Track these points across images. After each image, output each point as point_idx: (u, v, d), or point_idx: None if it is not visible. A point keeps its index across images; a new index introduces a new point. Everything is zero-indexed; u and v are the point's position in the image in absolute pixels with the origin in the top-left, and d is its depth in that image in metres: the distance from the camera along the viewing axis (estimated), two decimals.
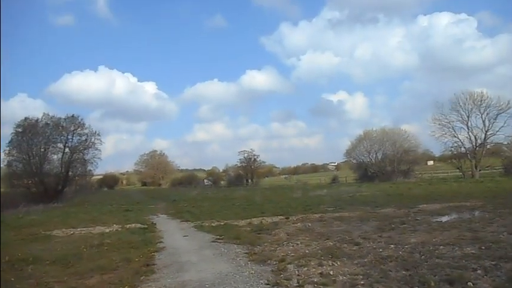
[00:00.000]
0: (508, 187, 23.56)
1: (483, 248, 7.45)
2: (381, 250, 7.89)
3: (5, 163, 33.30)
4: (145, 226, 14.13)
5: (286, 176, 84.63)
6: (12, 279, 7.04)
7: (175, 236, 11.75)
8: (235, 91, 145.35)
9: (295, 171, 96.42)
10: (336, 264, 6.95)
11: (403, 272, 6.12)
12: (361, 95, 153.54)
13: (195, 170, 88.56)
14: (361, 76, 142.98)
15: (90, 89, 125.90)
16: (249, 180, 61.32)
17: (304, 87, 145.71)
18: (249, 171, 61.94)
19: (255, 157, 62.76)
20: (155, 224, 14.81)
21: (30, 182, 32.92)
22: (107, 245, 10.19)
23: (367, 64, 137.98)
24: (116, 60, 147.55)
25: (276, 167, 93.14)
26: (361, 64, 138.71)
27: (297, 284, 5.83)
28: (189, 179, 71.71)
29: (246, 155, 62.79)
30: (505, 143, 41.91)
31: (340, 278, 6.10)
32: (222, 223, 13.71)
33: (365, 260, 7.10)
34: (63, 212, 21.42)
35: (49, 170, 34.32)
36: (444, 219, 11.85)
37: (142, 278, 6.89)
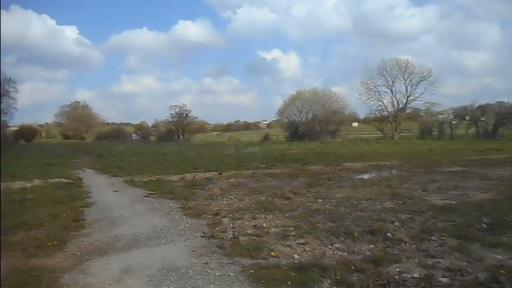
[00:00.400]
0: (422, 149, 26.05)
1: (400, 203, 8.24)
2: (309, 204, 8.40)
3: None
4: (71, 181, 13.43)
5: (219, 132, 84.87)
6: None
7: (105, 191, 11.38)
8: (166, 42, 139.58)
9: (228, 128, 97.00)
10: (268, 217, 7.29)
11: (330, 224, 6.61)
12: (295, 54, 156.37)
13: (122, 123, 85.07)
14: (296, 35, 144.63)
15: (2, 31, 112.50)
16: (181, 136, 60.49)
17: (239, 42, 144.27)
18: (180, 127, 60.94)
19: (187, 112, 61.76)
20: (82, 178, 14.13)
21: None
22: (30, 201, 9.60)
23: (302, 23, 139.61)
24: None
25: (208, 124, 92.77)
26: (297, 22, 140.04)
27: (232, 236, 6.04)
28: (115, 133, 68.71)
29: (177, 109, 61.51)
30: (423, 108, 45.90)
31: (273, 229, 6.43)
32: (153, 178, 13.50)
33: (295, 213, 7.53)
34: None
35: None
36: (366, 176, 12.83)
37: (71, 233, 6.64)
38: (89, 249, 5.73)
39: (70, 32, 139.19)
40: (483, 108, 41.39)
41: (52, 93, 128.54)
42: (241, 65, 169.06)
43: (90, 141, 67.41)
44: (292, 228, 6.42)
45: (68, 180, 13.54)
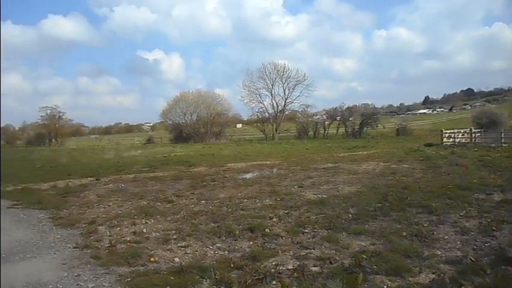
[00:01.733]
0: (300, 148, 28.13)
1: (278, 199, 8.75)
2: (192, 206, 8.41)
3: None
4: None
5: (97, 136, 79.06)
6: None
7: None
8: (34, 37, 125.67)
9: (108, 131, 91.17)
10: (149, 222, 7.10)
11: (212, 224, 6.72)
12: (178, 55, 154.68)
13: None
14: (177, 37, 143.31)
15: None
16: (53, 140, 54.77)
17: (117, 41, 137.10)
18: (52, 130, 55.10)
19: (60, 114, 56.15)
20: None
21: None
22: None
23: (183, 25, 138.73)
24: None
25: (85, 126, 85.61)
26: (178, 24, 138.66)
27: (109, 244, 5.73)
28: None
29: (48, 111, 55.50)
30: (300, 110, 49.41)
31: (154, 234, 6.29)
32: (19, 187, 11.99)
33: (178, 216, 7.47)
34: None
35: None
36: (248, 176, 13.31)
37: None
38: None
39: None
40: (350, 110, 46.18)
41: None
42: (121, 65, 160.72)
43: None
44: (173, 232, 6.36)
45: None
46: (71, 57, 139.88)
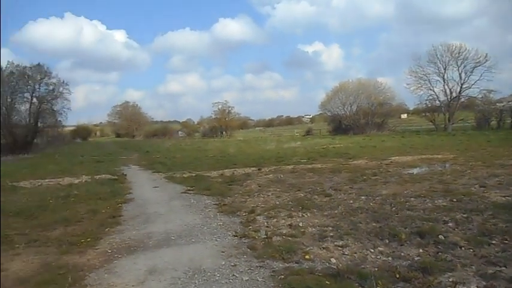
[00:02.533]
0: (480, 140, 24.12)
1: (454, 200, 7.44)
2: (351, 202, 7.84)
3: None
4: (116, 177, 13.73)
5: (261, 128, 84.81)
6: None
7: (145, 187, 11.45)
8: (208, 41, 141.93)
9: (270, 123, 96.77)
10: (305, 216, 6.85)
11: (374, 224, 6.06)
12: (337, 46, 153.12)
13: (169, 122, 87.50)
14: (337, 26, 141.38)
15: (57, 38, 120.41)
16: (223, 132, 61.02)
17: (279, 37, 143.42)
18: (223, 123, 61.49)
19: (229, 109, 62.26)
20: (125, 175, 14.41)
21: None
22: (74, 197, 9.82)
23: (343, 14, 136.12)
24: (83, 7, 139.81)
25: (251, 120, 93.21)
26: (338, 14, 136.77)
27: (265, 236, 5.68)
28: (163, 131, 70.94)
29: (220, 106, 62.15)
30: (479, 96, 42.42)
31: (310, 229, 5.99)
32: (193, 174, 13.45)
33: (335, 212, 7.02)
34: (32, 163, 20.69)
35: (17, 120, 33.01)
36: (416, 171, 11.95)
37: (107, 229, 6.63)
38: (119, 247, 5.62)
39: (119, 35, 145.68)
40: None
41: (105, 94, 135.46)
42: (282, 59, 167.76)
43: (140, 139, 69.75)
44: (330, 228, 5.95)
45: (113, 177, 13.84)
46: (238, 56, 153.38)
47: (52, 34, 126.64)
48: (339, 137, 38.39)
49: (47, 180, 13.30)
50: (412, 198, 7.80)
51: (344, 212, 6.95)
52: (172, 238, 5.90)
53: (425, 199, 7.69)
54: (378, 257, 4.72)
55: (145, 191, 10.64)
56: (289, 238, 5.57)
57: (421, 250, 4.85)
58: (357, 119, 45.74)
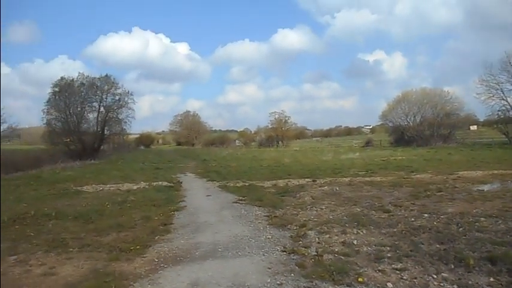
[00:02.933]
0: None
1: None
2: (412, 219, 7.22)
3: (44, 121, 34.36)
4: (172, 184, 14.06)
5: (318, 138, 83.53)
6: (32, 234, 7.02)
7: (199, 195, 11.54)
8: (266, 51, 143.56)
9: (328, 133, 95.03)
10: (361, 233, 6.40)
11: (437, 246, 5.47)
12: (400, 54, 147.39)
13: (227, 131, 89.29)
14: (400, 34, 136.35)
15: (125, 51, 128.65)
16: (280, 142, 60.84)
17: (338, 46, 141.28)
18: (279, 133, 61.34)
19: (286, 118, 62.01)
20: (181, 182, 14.72)
21: (68, 139, 33.83)
22: (130, 202, 10.12)
23: (407, 21, 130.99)
24: (149, 21, 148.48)
25: (308, 129, 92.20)
26: (401, 21, 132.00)
27: (316, 253, 5.33)
28: (221, 140, 72.35)
29: (276, 116, 62.12)
30: None
31: (365, 248, 5.55)
32: (247, 184, 13.37)
33: (394, 230, 6.49)
34: (97, 169, 21.87)
35: (86, 128, 35.28)
36: (486, 187, 10.86)
37: (157, 237, 6.68)
38: (167, 256, 5.59)
39: (182, 48, 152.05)
40: None
41: (168, 104, 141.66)
42: (341, 69, 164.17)
43: (199, 147, 71.79)
44: (388, 249, 5.46)
45: (169, 184, 14.18)
46: (296, 66, 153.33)
47: (120, 47, 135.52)
48: (400, 148, 36.56)
49: (108, 186, 13.90)
50: (482, 218, 7.02)
51: (404, 231, 6.40)
52: (219, 250, 5.76)
53: (498, 220, 6.89)
54: (442, 284, 4.20)
55: (198, 199, 10.70)
56: (342, 257, 5.19)
57: (491, 279, 4.27)
58: (420, 130, 43.29)
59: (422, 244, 5.61)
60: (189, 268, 4.98)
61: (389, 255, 5.20)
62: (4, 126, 23.23)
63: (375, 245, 5.66)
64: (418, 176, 14.26)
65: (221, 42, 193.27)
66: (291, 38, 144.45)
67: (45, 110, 34.12)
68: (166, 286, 4.39)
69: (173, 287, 4.35)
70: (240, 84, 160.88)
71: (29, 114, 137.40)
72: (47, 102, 34.18)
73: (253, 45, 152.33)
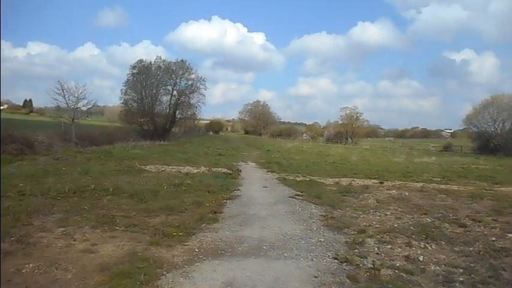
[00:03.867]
0: None
1: None
2: (494, 239, 6.13)
3: (122, 101, 36.41)
4: (230, 172, 13.87)
5: (391, 138, 79.41)
6: (86, 207, 7.11)
7: (255, 185, 11.17)
8: (343, 45, 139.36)
9: (403, 134, 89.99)
10: (429, 248, 5.52)
11: None
12: (492, 55, 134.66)
13: (296, 123, 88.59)
14: (493, 33, 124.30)
15: (204, 38, 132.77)
16: (349, 139, 58.79)
17: (422, 43, 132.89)
18: (349, 129, 59.28)
19: (358, 115, 59.71)
20: (240, 170, 14.47)
21: (142, 120, 35.56)
22: (186, 186, 10.03)
23: (503, 19, 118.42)
24: (228, 10, 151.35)
25: (381, 128, 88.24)
26: (496, 19, 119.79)
27: (372, 266, 4.62)
28: (288, 132, 72.06)
29: (348, 111, 60.06)
30: None
31: (432, 267, 4.73)
32: (307, 179, 12.74)
33: (470, 249, 5.52)
34: (164, 150, 22.55)
35: (159, 110, 36.81)
36: None
37: (203, 225, 6.40)
38: (208, 247, 5.25)
39: (258, 38, 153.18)
40: None
41: (240, 92, 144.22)
42: (423, 67, 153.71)
43: (265, 137, 72.01)
44: (461, 271, 4.59)
45: (228, 171, 14.00)
46: (374, 61, 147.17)
47: (200, 35, 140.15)
48: (484, 157, 33.23)
49: (170, 167, 14.08)
50: None
51: (482, 252, 5.41)
52: (264, 248, 5.28)
53: None
54: None
55: (253, 190, 10.33)
56: (403, 274, 4.44)
57: None
58: (509, 138, 39.02)
59: (504, 270, 4.66)
60: (227, 264, 4.56)
61: (461, 279, 4.35)
62: (85, 102, 24.94)
63: (445, 265, 4.80)
64: (502, 188, 12.55)
65: (297, 33, 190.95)
66: (371, 32, 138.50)
67: (123, 90, 36.21)
68: (198, 282, 4.01)
69: (206, 284, 3.95)
70: (313, 77, 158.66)
71: (113, 94, 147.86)
72: (125, 82, 36.22)
73: (330, 38, 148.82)
